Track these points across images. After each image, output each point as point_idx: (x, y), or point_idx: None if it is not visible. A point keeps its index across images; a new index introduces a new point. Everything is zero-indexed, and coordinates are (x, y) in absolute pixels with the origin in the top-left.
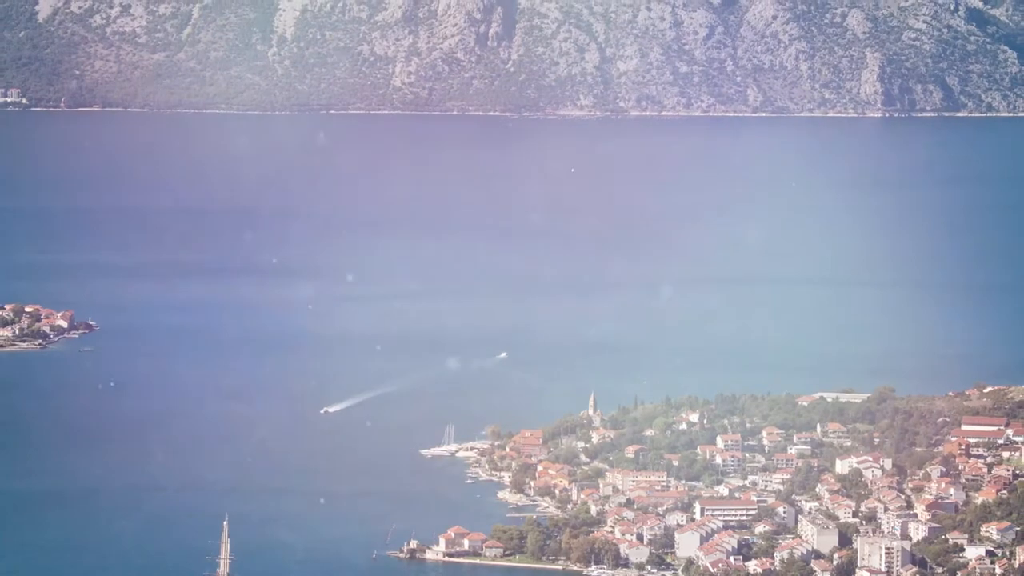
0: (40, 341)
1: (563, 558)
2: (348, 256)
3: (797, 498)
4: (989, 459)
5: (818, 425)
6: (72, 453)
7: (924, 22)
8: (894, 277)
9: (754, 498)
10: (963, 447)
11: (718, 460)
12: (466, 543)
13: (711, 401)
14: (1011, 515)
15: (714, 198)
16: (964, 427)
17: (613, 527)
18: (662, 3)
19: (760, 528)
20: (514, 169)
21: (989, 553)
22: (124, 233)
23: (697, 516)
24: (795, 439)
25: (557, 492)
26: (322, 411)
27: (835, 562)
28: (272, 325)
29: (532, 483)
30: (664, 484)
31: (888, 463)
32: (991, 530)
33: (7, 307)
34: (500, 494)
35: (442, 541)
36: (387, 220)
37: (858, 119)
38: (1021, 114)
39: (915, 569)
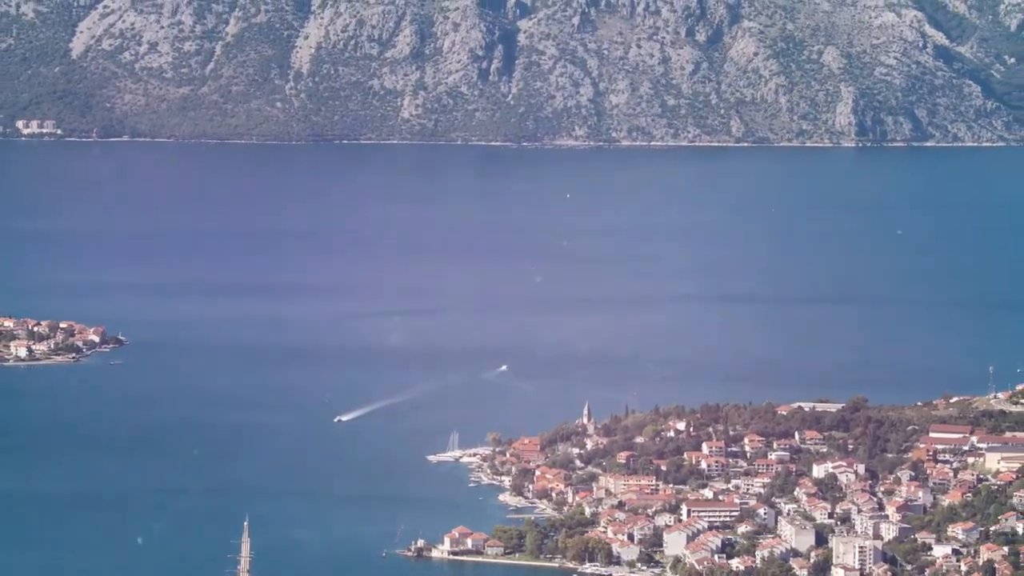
0: (74, 355)
1: (559, 556)
2: (359, 274)
3: (777, 500)
4: (955, 464)
5: (796, 432)
6: (103, 458)
7: (895, 58)
8: (867, 294)
9: (737, 500)
10: (931, 453)
11: (703, 465)
12: (469, 542)
13: (696, 410)
14: (975, 516)
15: (699, 221)
16: (932, 435)
17: (606, 527)
18: (651, 41)
19: (742, 528)
20: (514, 195)
21: (955, 552)
22: (152, 254)
23: (684, 517)
24: (775, 445)
25: (554, 495)
26: (335, 420)
27: (812, 560)
28: (288, 340)
29: (531, 486)
30: (653, 487)
31: (861, 468)
32: (957, 530)
33: (43, 323)
34: (501, 497)
35: (447, 540)
36: (396, 242)
37: (833, 149)
38: (985, 144)
39: (886, 566)
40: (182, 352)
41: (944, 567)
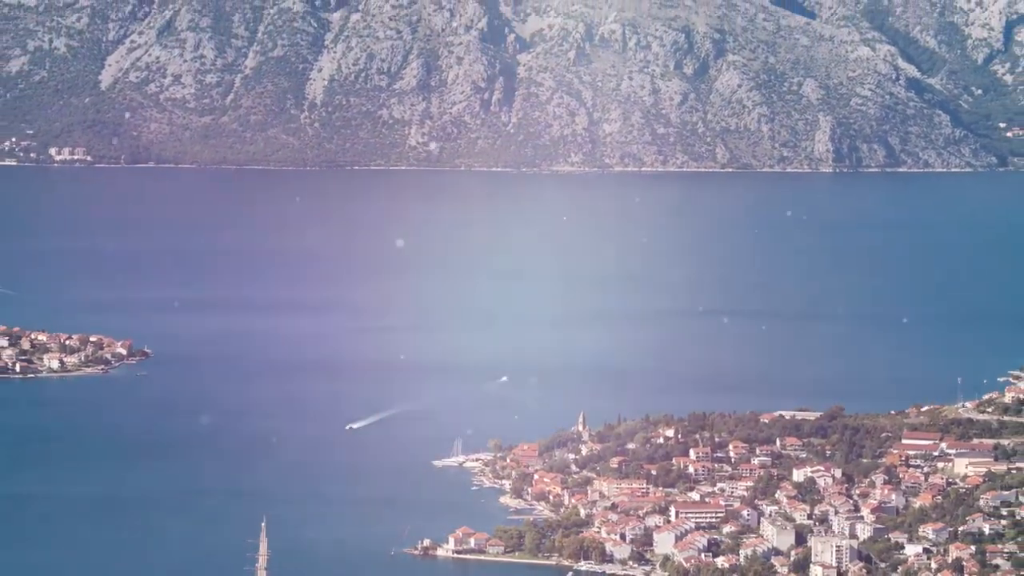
0: (102, 367)
1: (556, 555)
2: (370, 293)
3: (759, 502)
4: (926, 469)
5: (777, 439)
6: (130, 464)
7: (869, 89)
8: (844, 311)
9: (722, 503)
10: (903, 458)
11: (691, 470)
12: (472, 542)
13: (684, 418)
14: (944, 517)
15: (687, 242)
16: (904, 441)
17: (600, 528)
18: (642, 73)
19: (727, 529)
20: (514, 217)
21: (926, 550)
22: (176, 272)
23: (672, 518)
24: (757, 451)
25: (551, 497)
26: (347, 427)
27: (792, 558)
28: (303, 353)
29: (529, 489)
30: (644, 490)
31: (838, 472)
32: (927, 531)
33: (74, 337)
34: (502, 499)
35: (451, 540)
36: (403, 262)
37: (812, 174)
38: (954, 170)
39: (861, 564)
40: (204, 364)
41: (915, 565)
